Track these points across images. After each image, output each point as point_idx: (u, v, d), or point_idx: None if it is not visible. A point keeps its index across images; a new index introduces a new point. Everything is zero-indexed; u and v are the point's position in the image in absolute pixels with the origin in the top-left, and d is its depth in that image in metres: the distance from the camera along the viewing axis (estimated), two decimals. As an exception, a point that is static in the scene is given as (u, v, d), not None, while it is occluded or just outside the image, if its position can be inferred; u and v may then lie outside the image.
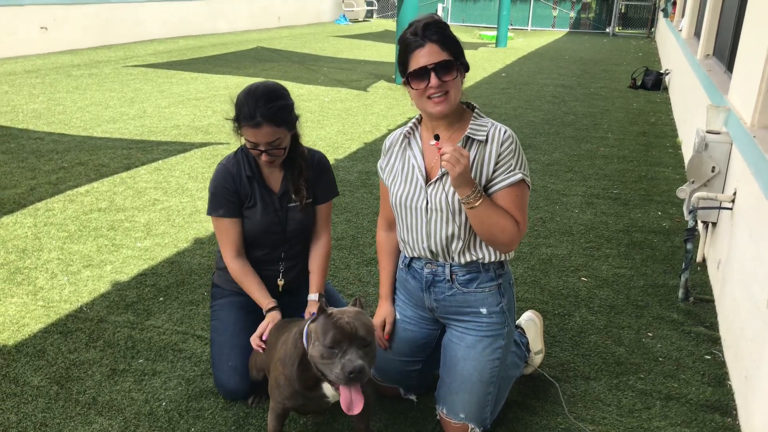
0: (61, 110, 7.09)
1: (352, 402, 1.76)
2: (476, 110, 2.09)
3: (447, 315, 2.17)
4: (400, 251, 2.28)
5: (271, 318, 2.27)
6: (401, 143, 2.15)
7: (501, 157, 1.99)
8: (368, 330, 1.79)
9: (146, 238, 3.80)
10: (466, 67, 2.02)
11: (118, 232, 3.88)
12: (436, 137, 1.92)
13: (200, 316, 2.94)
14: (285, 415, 2.04)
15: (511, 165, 1.99)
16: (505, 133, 2.01)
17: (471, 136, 2.01)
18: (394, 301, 2.32)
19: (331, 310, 1.84)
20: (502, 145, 2.00)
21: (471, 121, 2.04)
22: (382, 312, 2.31)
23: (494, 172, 1.99)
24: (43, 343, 2.70)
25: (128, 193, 4.55)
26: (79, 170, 5.01)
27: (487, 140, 2.01)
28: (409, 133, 2.14)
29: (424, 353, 2.31)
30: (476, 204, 1.92)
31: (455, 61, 1.96)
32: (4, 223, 3.97)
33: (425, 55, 1.93)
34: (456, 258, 2.08)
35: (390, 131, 6.61)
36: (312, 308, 2.32)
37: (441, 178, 2.02)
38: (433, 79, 1.92)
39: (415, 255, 2.15)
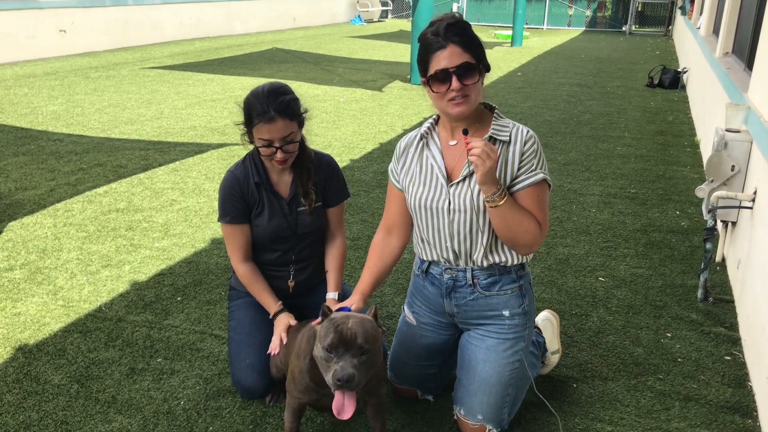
0: (79, 112, 7.17)
1: (344, 407, 1.77)
2: (496, 111, 2.07)
3: (468, 320, 2.15)
4: (392, 256, 2.20)
5: (282, 324, 2.29)
6: (417, 145, 2.12)
7: (524, 157, 1.97)
8: (368, 338, 1.78)
9: (164, 238, 3.83)
10: (487, 68, 1.99)
11: (136, 232, 3.92)
12: (465, 132, 1.90)
13: (218, 315, 2.96)
14: (301, 412, 2.05)
15: (533, 165, 1.98)
16: (527, 133, 2.00)
17: (494, 136, 1.99)
18: (364, 301, 2.14)
19: (336, 313, 1.85)
20: (525, 144, 1.98)
21: (493, 122, 2.02)
22: (348, 303, 2.08)
23: (517, 171, 1.98)
24: (63, 342, 2.73)
25: (146, 193, 4.59)
26: (97, 171, 5.06)
27: (510, 141, 1.99)
28: (426, 133, 2.11)
29: (441, 357, 2.31)
30: (500, 202, 1.90)
31: (477, 63, 1.93)
32: (25, 223, 4.02)
33: (447, 57, 1.90)
34: (478, 261, 2.06)
35: (405, 131, 6.60)
36: (332, 306, 2.33)
37: (464, 179, 2.00)
38: (455, 82, 1.90)
39: (435, 258, 2.12)
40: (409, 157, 2.14)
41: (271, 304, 2.36)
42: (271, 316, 2.36)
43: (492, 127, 2.01)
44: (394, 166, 2.19)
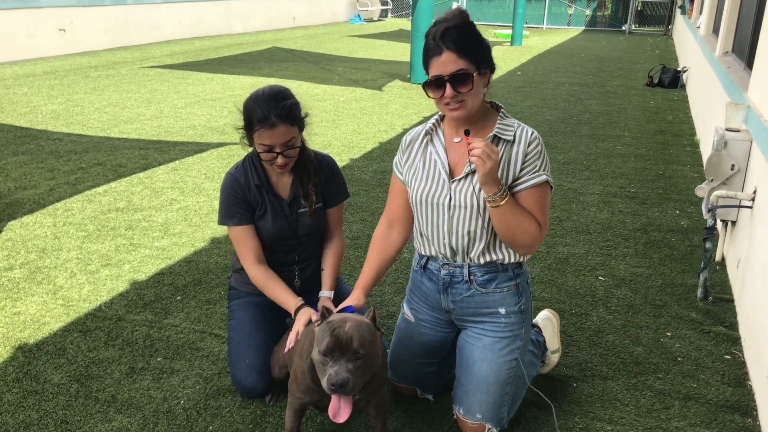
0: (79, 111, 7.16)
1: (339, 411, 1.78)
2: (502, 110, 2.07)
3: (464, 317, 2.16)
4: (393, 250, 2.22)
5: (302, 319, 2.20)
6: (422, 140, 2.13)
7: (527, 158, 1.98)
8: (364, 343, 1.78)
9: (164, 238, 3.83)
10: (491, 69, 1.98)
11: (136, 231, 3.92)
12: (467, 132, 1.91)
13: (217, 314, 2.96)
14: (302, 412, 2.05)
15: (536, 166, 1.98)
16: (532, 134, 2.00)
17: (498, 135, 2.00)
18: (366, 295, 2.18)
19: (335, 316, 1.85)
20: (529, 145, 1.98)
21: (498, 121, 2.03)
22: (350, 299, 2.13)
23: (520, 172, 1.98)
24: (63, 342, 2.73)
25: (146, 192, 4.59)
26: (97, 170, 5.06)
27: (514, 140, 1.99)
28: (431, 129, 2.12)
29: (440, 355, 2.31)
30: (501, 203, 1.91)
31: (475, 68, 1.91)
32: (24, 222, 4.02)
33: (441, 64, 1.90)
34: (475, 258, 2.07)
35: (405, 130, 6.60)
36: (323, 303, 2.32)
37: (467, 176, 2.01)
38: (448, 90, 1.90)
39: (433, 253, 2.13)
40: (414, 151, 2.15)
41: (291, 301, 2.29)
42: (293, 315, 2.27)
43: (497, 126, 2.01)
44: (398, 158, 2.20)
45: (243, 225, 2.34)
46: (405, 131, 6.57)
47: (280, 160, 2.23)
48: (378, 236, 2.25)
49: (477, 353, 2.11)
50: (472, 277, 2.09)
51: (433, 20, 2.01)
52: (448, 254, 2.09)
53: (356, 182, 4.89)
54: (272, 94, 2.20)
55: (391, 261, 2.23)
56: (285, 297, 2.31)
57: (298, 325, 2.20)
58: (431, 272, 2.17)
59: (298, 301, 2.29)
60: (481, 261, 2.06)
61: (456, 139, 2.07)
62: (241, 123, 2.28)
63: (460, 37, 1.90)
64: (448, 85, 1.90)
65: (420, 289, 2.23)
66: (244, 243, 2.35)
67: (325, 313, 1.87)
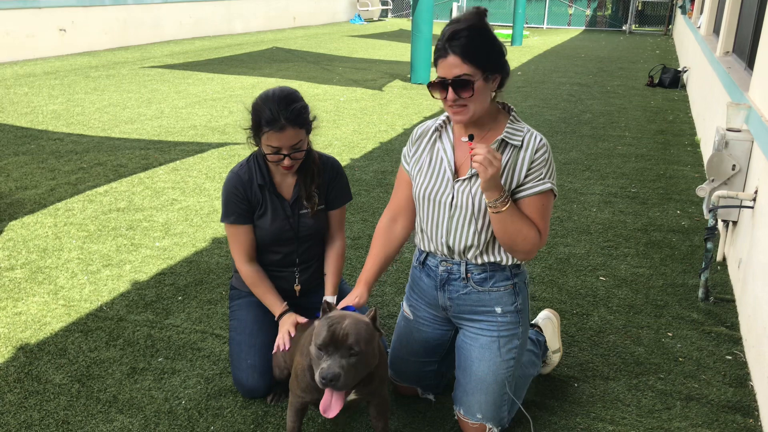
0: (79, 111, 7.16)
1: (330, 405, 1.79)
2: (513, 113, 2.05)
3: (461, 314, 2.16)
4: (396, 243, 2.23)
5: (288, 322, 2.28)
6: (431, 135, 2.13)
7: (533, 165, 1.97)
8: (359, 340, 1.78)
9: (165, 238, 3.83)
10: (502, 74, 1.95)
11: (137, 231, 3.92)
12: (470, 137, 1.91)
13: (219, 315, 2.96)
14: (303, 411, 2.05)
15: (541, 174, 1.98)
16: (540, 141, 1.99)
17: (506, 139, 1.99)
18: (369, 290, 2.19)
19: (334, 312, 1.86)
20: (536, 152, 1.98)
21: (508, 125, 2.01)
22: (353, 295, 2.14)
23: (525, 178, 1.98)
24: (64, 342, 2.73)
25: (146, 193, 4.59)
26: (97, 170, 5.06)
27: (522, 146, 1.99)
28: (441, 126, 2.12)
29: (439, 354, 2.31)
30: (502, 209, 1.91)
31: (480, 74, 1.89)
32: (25, 223, 4.02)
33: (445, 67, 1.90)
34: (472, 259, 2.07)
35: (406, 130, 6.60)
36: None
37: (470, 177, 2.01)
38: (450, 93, 1.90)
39: (432, 249, 2.14)
40: (422, 146, 2.15)
41: (276, 305, 2.36)
42: (276, 318, 2.34)
43: (506, 130, 2.00)
44: (407, 150, 2.20)
45: (239, 224, 2.35)
46: (405, 131, 6.58)
47: (286, 161, 2.23)
48: (381, 228, 2.25)
49: (475, 353, 2.11)
50: (468, 274, 2.09)
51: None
52: (446, 252, 2.10)
53: (357, 182, 4.89)
54: (282, 96, 2.19)
55: (395, 253, 2.24)
56: (271, 300, 2.36)
57: (283, 331, 2.24)
58: (429, 268, 2.18)
59: (283, 306, 2.34)
60: (479, 261, 2.07)
61: (464, 138, 2.06)
62: (247, 122, 2.28)
63: (468, 41, 1.87)
64: (450, 89, 1.90)
65: (419, 285, 2.24)
66: (237, 241, 2.37)
67: (326, 309, 1.87)
